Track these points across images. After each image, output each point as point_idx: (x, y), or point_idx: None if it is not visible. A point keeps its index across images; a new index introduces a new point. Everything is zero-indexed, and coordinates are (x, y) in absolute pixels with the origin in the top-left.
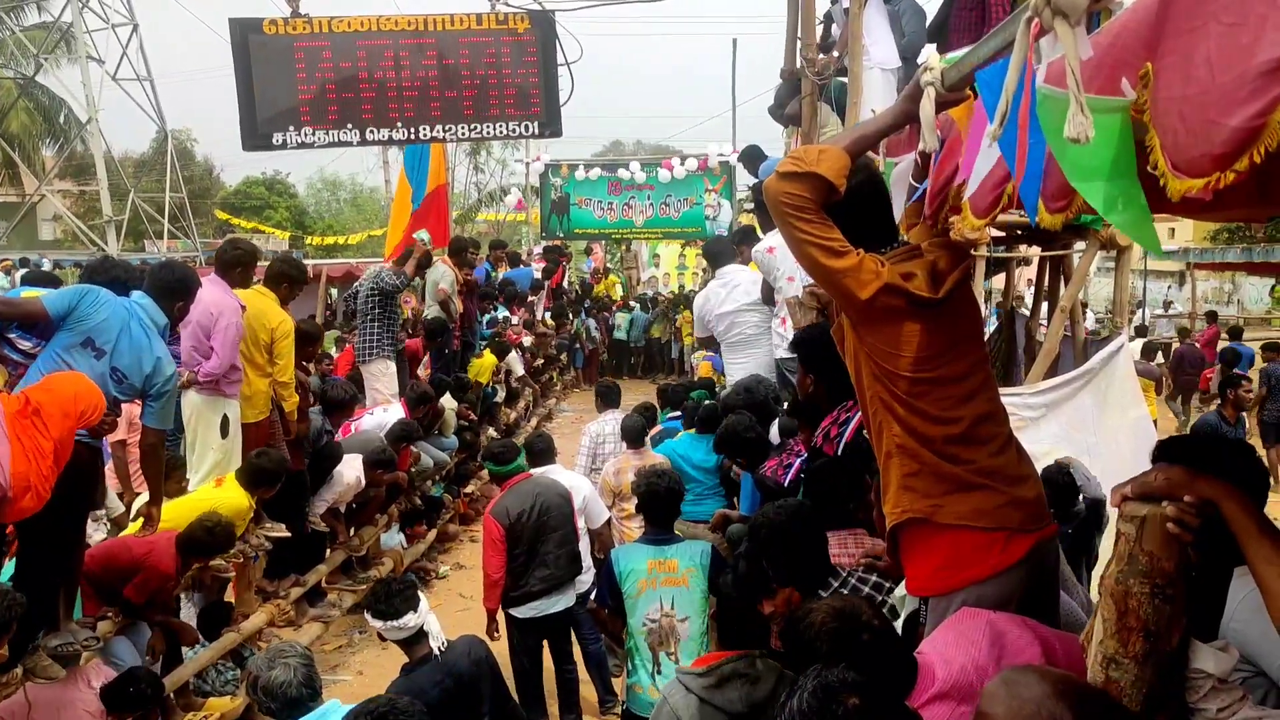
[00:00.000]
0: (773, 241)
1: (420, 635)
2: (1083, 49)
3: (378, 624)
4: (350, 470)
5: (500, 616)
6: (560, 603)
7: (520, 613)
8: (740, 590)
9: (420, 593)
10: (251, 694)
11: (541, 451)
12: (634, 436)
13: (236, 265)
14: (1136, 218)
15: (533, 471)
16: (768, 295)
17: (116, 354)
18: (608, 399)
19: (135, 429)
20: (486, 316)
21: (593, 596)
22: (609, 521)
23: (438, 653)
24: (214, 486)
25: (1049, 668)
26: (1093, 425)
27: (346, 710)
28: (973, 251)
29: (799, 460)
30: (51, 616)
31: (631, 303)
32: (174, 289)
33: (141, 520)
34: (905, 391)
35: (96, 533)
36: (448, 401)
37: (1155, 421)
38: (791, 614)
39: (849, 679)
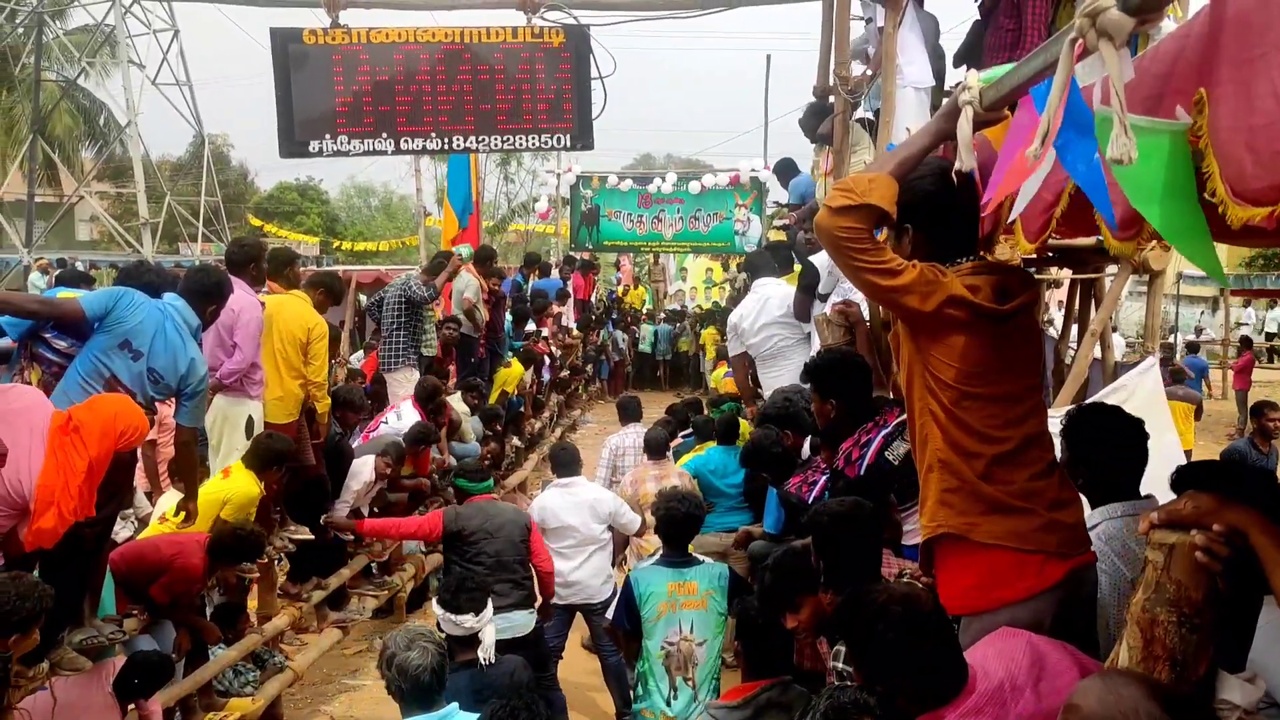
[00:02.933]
0: None
1: (472, 640)
2: (1126, 71)
3: (439, 612)
4: (365, 469)
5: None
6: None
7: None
8: (765, 602)
9: (489, 602)
10: (384, 670)
11: (567, 463)
12: (656, 448)
13: (248, 263)
14: (1198, 242)
15: (554, 482)
16: (801, 311)
17: (152, 355)
18: (629, 412)
19: (164, 430)
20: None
21: (610, 618)
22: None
23: (484, 664)
24: (222, 477)
25: (1138, 672)
26: None
27: (464, 716)
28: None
29: (823, 478)
30: (76, 613)
31: (659, 314)
32: (208, 292)
33: (182, 515)
34: (953, 403)
35: (123, 531)
36: (458, 405)
37: (1189, 452)
38: (851, 597)
39: (862, 700)
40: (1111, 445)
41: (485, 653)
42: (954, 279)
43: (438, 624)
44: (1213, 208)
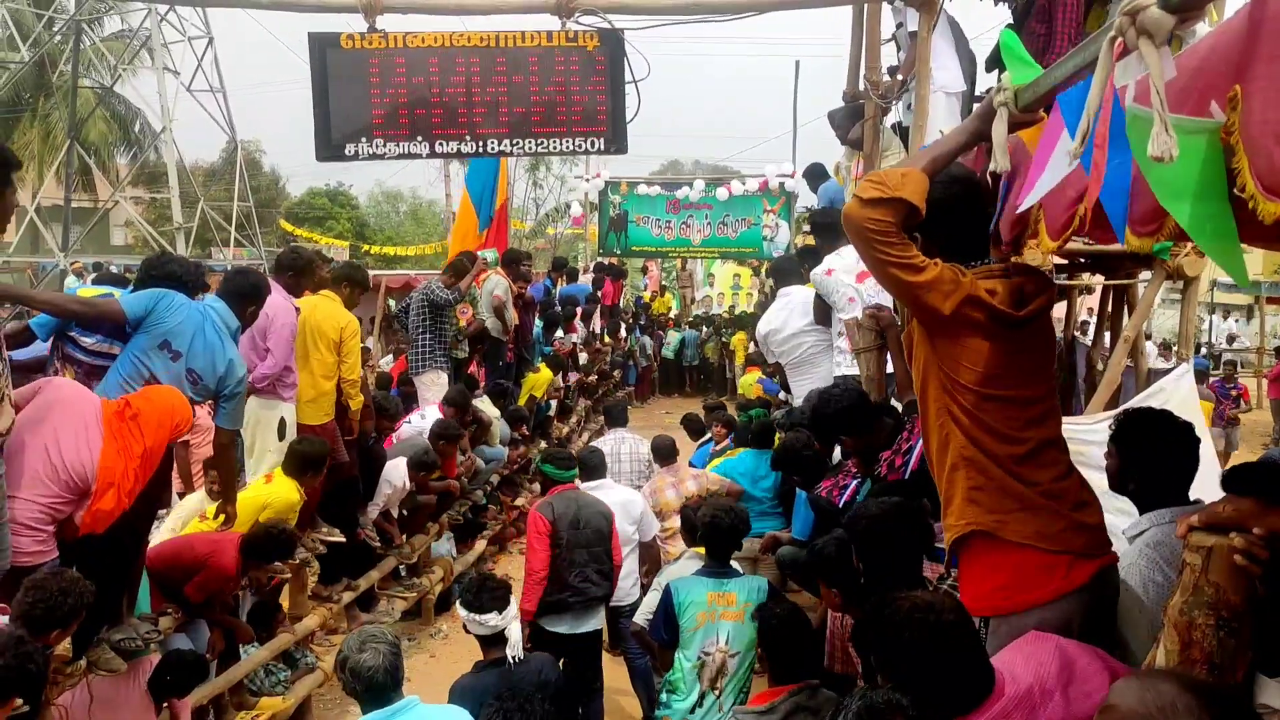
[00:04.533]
0: (831, 264)
1: (499, 638)
2: (1167, 69)
3: (463, 613)
4: (396, 473)
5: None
6: (591, 623)
7: (550, 625)
8: (808, 569)
9: (511, 599)
10: (339, 672)
11: (595, 467)
12: (665, 454)
13: (289, 269)
14: (1225, 243)
15: (581, 486)
16: (821, 315)
17: (191, 356)
18: (614, 418)
19: (197, 431)
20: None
21: (637, 621)
22: (654, 538)
23: (512, 662)
24: (264, 482)
25: (1174, 669)
26: None
27: (426, 708)
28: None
29: (855, 482)
30: (114, 611)
31: (684, 322)
32: (247, 294)
33: (222, 518)
34: (972, 405)
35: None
36: (488, 408)
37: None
38: (877, 605)
39: (894, 700)
40: (1163, 449)
41: (513, 650)
42: (973, 280)
43: (464, 625)
44: (1243, 204)
